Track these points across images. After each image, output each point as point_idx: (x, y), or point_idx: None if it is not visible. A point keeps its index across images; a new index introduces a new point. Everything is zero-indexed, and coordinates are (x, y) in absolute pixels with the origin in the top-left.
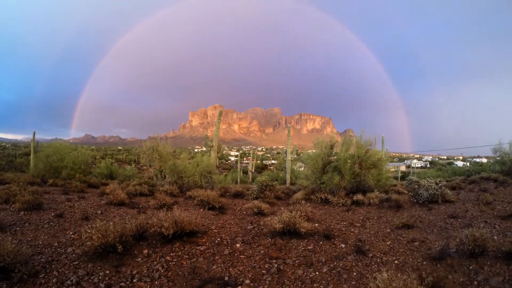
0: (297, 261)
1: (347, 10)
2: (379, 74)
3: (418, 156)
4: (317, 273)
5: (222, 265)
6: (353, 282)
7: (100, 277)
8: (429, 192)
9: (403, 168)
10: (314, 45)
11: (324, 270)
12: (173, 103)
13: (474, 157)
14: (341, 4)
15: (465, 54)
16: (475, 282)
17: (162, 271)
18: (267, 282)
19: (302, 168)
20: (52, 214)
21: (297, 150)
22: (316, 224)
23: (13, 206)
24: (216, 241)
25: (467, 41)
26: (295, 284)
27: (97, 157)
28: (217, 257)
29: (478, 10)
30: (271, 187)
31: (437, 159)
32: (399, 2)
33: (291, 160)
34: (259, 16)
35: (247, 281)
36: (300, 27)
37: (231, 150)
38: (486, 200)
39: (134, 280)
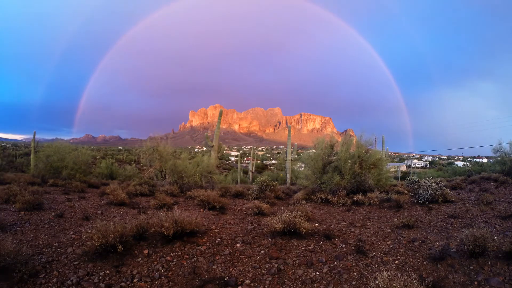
0: (297, 261)
1: (350, 9)
2: (381, 73)
3: (418, 156)
4: (317, 273)
5: (222, 265)
6: (354, 282)
7: (100, 277)
8: (430, 192)
9: (403, 168)
10: (315, 44)
11: (325, 270)
12: (173, 103)
13: (475, 157)
14: (346, 3)
15: (468, 55)
16: (476, 282)
17: (162, 271)
18: (267, 282)
19: (302, 168)
20: (53, 214)
21: (297, 150)
22: (317, 224)
23: (13, 206)
24: (217, 241)
25: (470, 42)
26: (295, 284)
27: (97, 157)
28: (217, 257)
29: (483, 11)
30: (272, 187)
31: (438, 159)
32: (404, 3)
33: (292, 160)
34: (261, 15)
35: (248, 281)
36: (301, 26)
37: (232, 150)
38: (486, 200)
39: (135, 280)
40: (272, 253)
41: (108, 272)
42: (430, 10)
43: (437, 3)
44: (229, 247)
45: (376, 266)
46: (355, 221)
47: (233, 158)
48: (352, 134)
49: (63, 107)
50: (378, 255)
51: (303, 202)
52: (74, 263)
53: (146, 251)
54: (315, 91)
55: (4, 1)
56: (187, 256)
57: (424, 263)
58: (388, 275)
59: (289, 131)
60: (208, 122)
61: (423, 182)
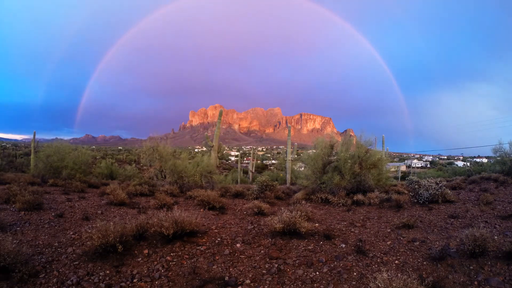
0: (297, 261)
1: (352, 9)
2: (382, 73)
3: (418, 156)
4: (317, 273)
5: (222, 265)
6: (354, 282)
7: (100, 277)
8: (430, 192)
9: (403, 168)
10: (314, 43)
11: (325, 270)
12: (173, 103)
13: (475, 157)
14: (348, 3)
15: (469, 56)
16: (476, 282)
17: (162, 271)
18: (267, 282)
19: (303, 168)
20: (53, 214)
21: (297, 150)
22: (317, 224)
23: (13, 206)
24: (217, 241)
25: (471, 43)
26: (295, 284)
27: (97, 157)
28: (217, 257)
29: (485, 13)
30: (272, 187)
31: (438, 159)
32: (406, 4)
33: (292, 160)
34: (263, 15)
35: (248, 281)
36: (302, 26)
37: (232, 150)
38: (486, 200)
39: (135, 280)
40: (272, 253)
41: (108, 272)
42: (432, 10)
43: (439, 4)
44: (229, 247)
45: (376, 266)
46: (355, 221)
47: (233, 158)
48: (352, 134)
49: (63, 107)
50: (378, 255)
51: (303, 202)
52: (74, 263)
53: (146, 251)
54: (315, 91)
55: (4, 1)
56: (187, 256)
57: (424, 263)
58: (388, 275)
59: (289, 131)
60: (208, 122)
61: (423, 182)
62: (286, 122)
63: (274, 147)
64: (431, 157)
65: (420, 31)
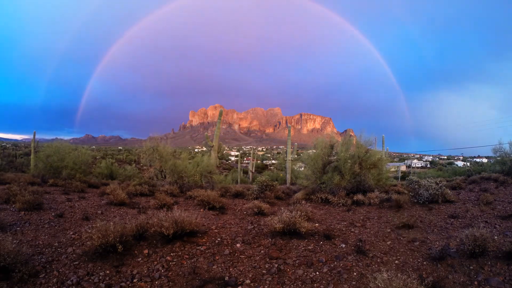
0: (297, 261)
1: (353, 9)
2: (382, 73)
3: (418, 156)
4: (317, 273)
5: (222, 265)
6: (354, 282)
7: (100, 277)
8: (430, 192)
9: (403, 168)
10: (316, 43)
11: (325, 270)
12: (173, 103)
13: (475, 157)
14: (349, 3)
15: (470, 55)
16: (476, 282)
17: (162, 271)
18: (267, 282)
19: (303, 168)
20: (53, 214)
21: (297, 150)
22: (317, 224)
23: (13, 206)
24: (217, 241)
25: (472, 44)
26: (295, 284)
27: (97, 157)
28: (217, 257)
29: (486, 12)
30: (272, 187)
31: (438, 159)
32: (408, 5)
33: (292, 160)
34: (263, 15)
35: (248, 281)
36: (302, 26)
37: (232, 150)
38: (486, 200)
39: (135, 280)
40: (272, 253)
41: (108, 272)
42: (433, 11)
43: (439, 4)
44: (229, 247)
45: (376, 266)
46: (355, 221)
47: (233, 158)
48: (352, 134)
49: (63, 107)
50: (378, 255)
51: (303, 202)
52: (74, 263)
53: (146, 251)
54: (315, 91)
55: (3, 0)
56: (187, 256)
57: (424, 263)
58: (388, 275)
59: (289, 131)
60: (208, 122)
61: (423, 182)
62: (286, 122)
63: (274, 147)
64: (431, 157)
65: (421, 30)
